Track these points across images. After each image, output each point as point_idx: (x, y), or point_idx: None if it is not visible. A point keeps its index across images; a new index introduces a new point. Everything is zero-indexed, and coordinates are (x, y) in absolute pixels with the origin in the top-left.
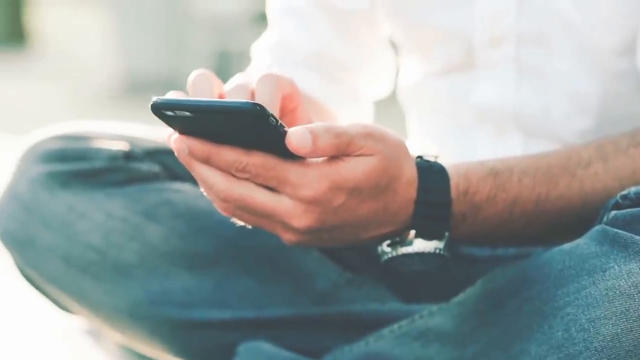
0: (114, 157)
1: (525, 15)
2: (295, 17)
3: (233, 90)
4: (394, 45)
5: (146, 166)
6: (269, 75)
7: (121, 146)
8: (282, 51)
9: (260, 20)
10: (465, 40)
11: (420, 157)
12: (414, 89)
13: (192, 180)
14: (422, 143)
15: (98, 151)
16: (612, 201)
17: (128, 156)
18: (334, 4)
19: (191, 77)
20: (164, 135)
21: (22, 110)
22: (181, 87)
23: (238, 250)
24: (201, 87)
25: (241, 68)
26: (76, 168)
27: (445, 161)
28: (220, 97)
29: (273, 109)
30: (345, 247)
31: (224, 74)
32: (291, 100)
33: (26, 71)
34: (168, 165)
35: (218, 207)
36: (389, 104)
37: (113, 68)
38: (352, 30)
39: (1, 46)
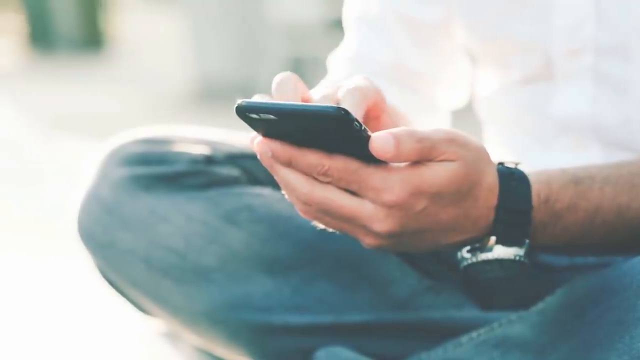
0: (195, 160)
1: (604, 25)
2: (371, 28)
3: (319, 101)
4: (470, 55)
5: (227, 170)
6: (356, 87)
7: (202, 150)
8: (359, 62)
9: (334, 27)
10: (542, 51)
11: (501, 163)
12: (490, 100)
13: (272, 184)
14: (499, 154)
15: (180, 155)
16: None
17: (209, 160)
18: (410, 15)
19: (276, 80)
20: (244, 139)
21: (98, 114)
22: (255, 92)
23: (318, 255)
24: (285, 89)
25: (314, 74)
26: (158, 171)
27: (526, 168)
28: (304, 100)
29: (358, 117)
30: (425, 253)
31: None
32: (376, 107)
33: (102, 75)
34: (248, 170)
35: (299, 210)
36: (464, 115)
37: (188, 73)
38: (428, 40)
39: (78, 50)
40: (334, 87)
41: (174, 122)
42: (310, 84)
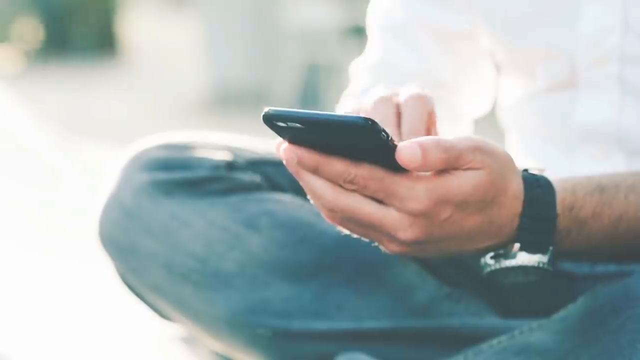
0: (216, 166)
1: (630, 33)
2: (396, 36)
3: (376, 103)
4: (495, 63)
5: (248, 176)
6: (416, 96)
7: (224, 156)
8: (382, 70)
9: (350, 34)
10: (567, 59)
11: (526, 170)
12: (514, 109)
13: (293, 191)
14: (521, 162)
15: (201, 160)
16: None
17: (230, 166)
18: (435, 24)
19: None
20: (265, 145)
21: (113, 119)
22: (270, 99)
23: (337, 261)
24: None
25: (329, 81)
26: (179, 177)
27: (551, 175)
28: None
29: (421, 131)
30: (447, 260)
31: (312, 87)
32: (430, 119)
33: (117, 81)
34: (269, 176)
35: (325, 216)
36: (487, 124)
37: (202, 79)
38: (453, 49)
39: (93, 55)
40: (389, 91)
41: (188, 127)
42: (325, 91)
